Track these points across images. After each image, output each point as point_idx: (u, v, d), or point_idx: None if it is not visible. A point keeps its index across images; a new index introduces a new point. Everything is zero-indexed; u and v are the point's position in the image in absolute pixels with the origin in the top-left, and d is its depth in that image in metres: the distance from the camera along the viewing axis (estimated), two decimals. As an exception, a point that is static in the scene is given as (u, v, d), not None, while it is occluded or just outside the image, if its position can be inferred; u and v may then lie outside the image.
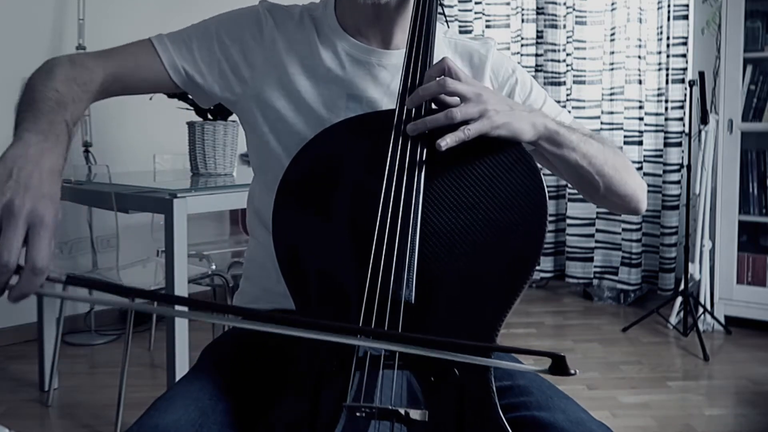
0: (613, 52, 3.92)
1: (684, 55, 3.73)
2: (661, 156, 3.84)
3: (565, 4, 4.12)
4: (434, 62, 0.95)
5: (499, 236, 0.86)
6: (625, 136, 3.91)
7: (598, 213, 4.02)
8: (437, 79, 0.91)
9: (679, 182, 3.79)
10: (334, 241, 0.89)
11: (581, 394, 2.55)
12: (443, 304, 0.85)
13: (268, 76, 1.07)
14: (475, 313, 0.85)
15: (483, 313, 0.85)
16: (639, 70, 3.83)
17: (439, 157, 0.89)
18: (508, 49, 4.17)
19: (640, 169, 3.87)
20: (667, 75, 3.78)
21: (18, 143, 0.77)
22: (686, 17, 3.71)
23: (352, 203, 0.90)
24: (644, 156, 3.88)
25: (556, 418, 0.89)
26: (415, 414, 0.77)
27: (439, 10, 1.06)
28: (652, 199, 3.88)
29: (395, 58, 1.07)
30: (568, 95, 4.15)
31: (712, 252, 3.40)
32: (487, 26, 4.20)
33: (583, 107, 4.05)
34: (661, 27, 3.78)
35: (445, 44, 1.12)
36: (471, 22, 4.18)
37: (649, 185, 3.86)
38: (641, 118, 3.86)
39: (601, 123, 4.00)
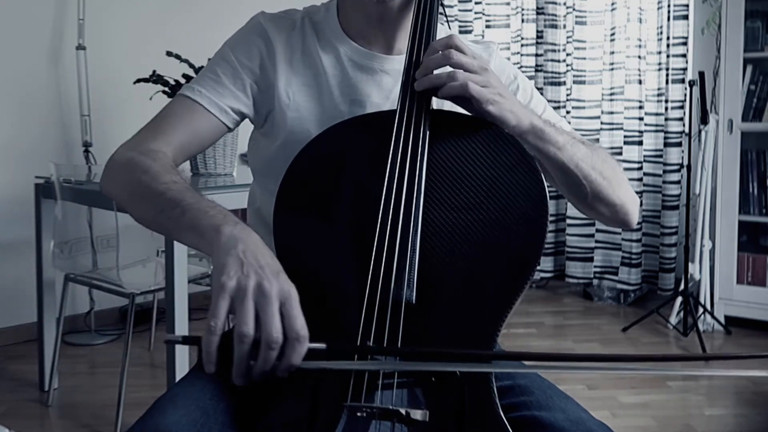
0: (613, 52, 3.92)
1: (684, 55, 3.73)
2: (661, 156, 3.84)
3: (565, 4, 4.12)
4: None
5: (500, 236, 0.86)
6: (625, 136, 3.91)
7: (598, 213, 4.01)
8: (443, 51, 0.93)
9: (679, 182, 3.79)
10: (335, 240, 0.89)
11: (581, 393, 2.55)
12: (444, 304, 0.85)
13: (277, 86, 1.07)
14: (476, 314, 0.85)
15: (484, 313, 0.85)
16: (639, 70, 3.83)
17: (441, 157, 0.89)
18: (508, 49, 4.17)
19: (639, 168, 3.87)
20: (667, 75, 3.78)
21: (221, 237, 0.80)
22: (686, 17, 3.71)
23: (353, 203, 0.90)
24: (644, 156, 3.88)
25: (557, 418, 0.89)
26: (416, 414, 0.77)
27: (440, 11, 1.06)
28: (652, 199, 3.88)
29: (398, 63, 1.07)
30: (568, 95, 4.14)
31: (712, 252, 3.40)
32: (487, 26, 4.20)
33: (583, 107, 4.05)
34: (661, 27, 3.78)
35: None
36: (471, 22, 4.18)
37: (649, 185, 3.87)
38: (641, 118, 3.86)
39: (601, 123, 4.00)
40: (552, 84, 4.17)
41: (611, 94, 3.96)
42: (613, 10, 3.90)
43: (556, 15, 4.14)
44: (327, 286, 0.88)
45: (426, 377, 0.82)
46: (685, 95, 3.69)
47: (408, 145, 0.90)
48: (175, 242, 2.05)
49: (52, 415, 2.44)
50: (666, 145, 3.81)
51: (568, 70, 4.15)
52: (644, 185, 3.89)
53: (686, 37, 3.72)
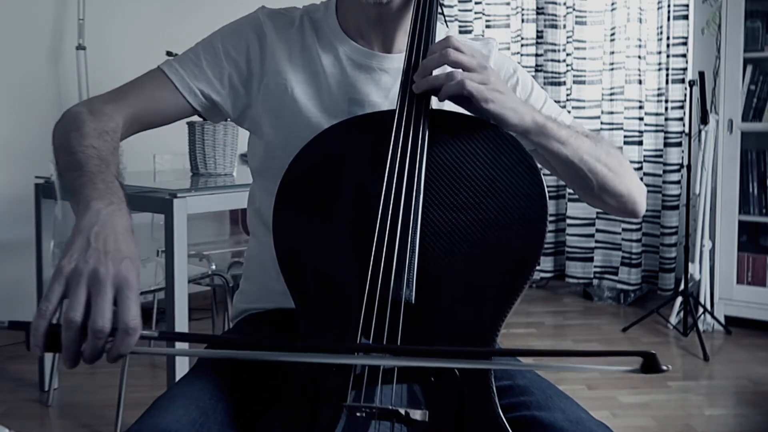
0: (613, 52, 3.92)
1: (684, 55, 3.73)
2: (661, 156, 3.84)
3: (565, 4, 4.12)
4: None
5: (499, 236, 0.86)
6: (625, 136, 3.91)
7: (598, 213, 4.02)
8: (440, 51, 0.92)
9: (679, 182, 3.79)
10: (335, 240, 0.89)
11: (581, 393, 2.55)
12: (444, 304, 0.85)
13: (271, 83, 1.07)
14: (476, 313, 0.85)
15: (483, 313, 0.85)
16: (639, 70, 3.83)
17: (441, 157, 0.89)
18: (508, 49, 4.17)
19: (639, 169, 3.87)
20: (667, 75, 3.78)
21: (87, 212, 0.79)
22: (686, 17, 3.71)
23: (353, 202, 0.90)
24: (644, 156, 3.88)
25: (556, 418, 0.89)
26: (416, 414, 0.77)
27: (439, 10, 1.06)
28: (652, 199, 3.88)
29: (397, 62, 1.07)
30: (568, 95, 4.15)
31: (712, 252, 3.40)
32: (487, 26, 4.20)
33: (583, 107, 4.05)
34: (661, 27, 3.78)
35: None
36: (471, 22, 4.18)
37: (649, 185, 3.86)
38: (641, 118, 3.86)
39: (601, 123, 4.00)
40: (552, 84, 4.17)
41: (611, 94, 3.96)
42: (613, 10, 3.90)
43: (556, 15, 4.14)
44: (326, 286, 0.88)
45: (426, 378, 0.82)
46: (685, 95, 3.69)
47: (407, 145, 0.90)
48: (175, 242, 2.05)
49: (52, 415, 2.44)
50: (666, 145, 3.81)
51: (568, 70, 4.15)
52: (644, 185, 3.88)
53: (686, 37, 3.72)
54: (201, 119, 2.49)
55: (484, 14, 4.20)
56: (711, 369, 2.87)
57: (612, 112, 3.96)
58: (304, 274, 0.89)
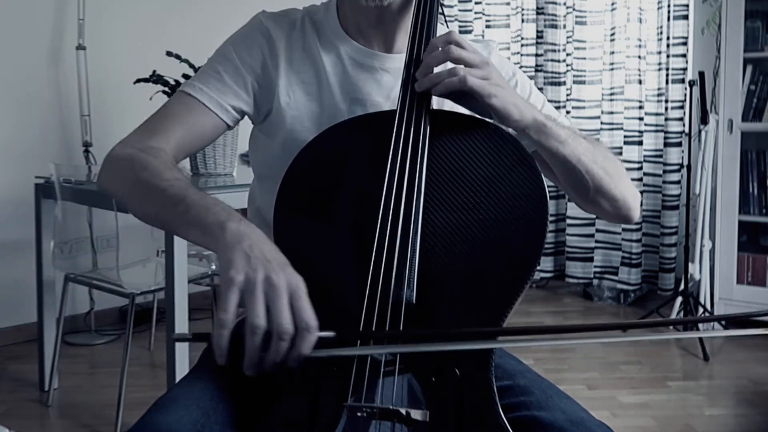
0: (613, 52, 3.92)
1: (684, 55, 3.73)
2: (661, 156, 3.84)
3: (565, 4, 4.12)
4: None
5: (499, 236, 0.86)
6: (625, 136, 3.91)
7: (598, 213, 4.01)
8: (443, 47, 0.93)
9: (679, 182, 3.79)
10: (335, 239, 0.89)
11: (581, 393, 2.55)
12: (444, 304, 0.85)
13: (278, 84, 1.07)
14: (476, 313, 0.85)
15: (484, 312, 0.85)
16: (639, 70, 3.83)
17: (441, 157, 0.89)
18: (508, 49, 4.17)
19: (639, 168, 3.87)
20: (667, 75, 3.78)
21: (225, 233, 0.81)
22: (686, 17, 3.71)
23: (353, 203, 0.90)
24: (644, 156, 3.88)
25: (557, 418, 0.89)
26: (416, 414, 0.77)
27: (439, 10, 1.06)
28: (652, 199, 3.88)
29: (398, 62, 1.07)
30: (568, 95, 4.14)
31: (712, 252, 3.40)
32: (487, 26, 4.20)
33: (583, 107, 4.05)
34: (661, 27, 3.78)
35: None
36: (471, 22, 4.18)
37: (649, 185, 3.86)
38: (641, 118, 3.86)
39: (601, 123, 4.00)
40: (552, 84, 4.17)
41: (611, 94, 3.96)
42: (613, 10, 3.90)
43: (556, 15, 4.14)
44: (327, 286, 0.88)
45: (426, 378, 0.82)
46: (685, 95, 3.69)
47: (408, 145, 0.90)
48: (175, 242, 2.05)
49: (52, 415, 2.44)
50: (666, 145, 3.81)
51: (568, 70, 4.15)
52: (644, 185, 3.89)
53: (686, 37, 3.72)
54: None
55: (484, 14, 4.20)
56: (711, 369, 2.87)
57: (612, 112, 3.96)
58: (304, 275, 0.89)
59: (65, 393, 2.60)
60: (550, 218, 0.99)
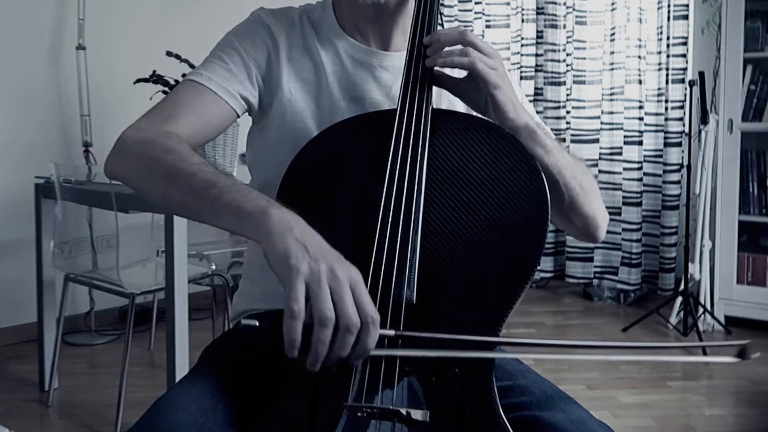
0: (613, 52, 3.92)
1: (684, 55, 3.73)
2: (661, 156, 3.84)
3: (565, 4, 4.12)
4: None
5: (500, 236, 0.86)
6: (625, 136, 3.91)
7: (598, 213, 4.01)
8: (457, 30, 0.94)
9: (679, 182, 3.79)
10: (335, 239, 0.88)
11: (581, 394, 2.55)
12: (444, 304, 0.85)
13: (281, 80, 1.07)
14: (476, 313, 0.85)
15: (484, 313, 0.84)
16: (639, 70, 3.83)
17: (442, 157, 0.89)
18: (508, 49, 4.17)
19: (639, 168, 3.87)
20: (667, 75, 3.78)
21: (268, 219, 0.78)
22: (686, 17, 3.71)
23: (353, 202, 0.90)
24: (644, 156, 3.88)
25: (557, 418, 0.89)
26: (417, 414, 0.77)
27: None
28: (652, 199, 3.88)
29: (396, 60, 1.08)
30: (568, 95, 4.14)
31: (712, 252, 3.40)
32: (487, 26, 4.20)
33: (583, 107, 4.05)
34: (661, 27, 3.78)
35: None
36: (471, 22, 4.18)
37: (649, 185, 3.87)
38: (641, 118, 3.86)
39: (601, 123, 4.00)
40: (552, 84, 4.17)
41: (611, 94, 3.96)
42: (613, 10, 3.90)
43: (556, 15, 4.14)
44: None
45: (427, 378, 0.82)
46: (685, 95, 3.69)
47: (408, 145, 0.90)
48: (175, 242, 2.05)
49: (52, 415, 2.44)
50: (666, 145, 3.81)
51: (568, 70, 4.15)
52: (644, 185, 3.88)
53: (686, 37, 3.72)
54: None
55: (484, 14, 4.20)
56: (711, 369, 2.87)
57: (612, 112, 3.96)
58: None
59: (65, 393, 2.60)
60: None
